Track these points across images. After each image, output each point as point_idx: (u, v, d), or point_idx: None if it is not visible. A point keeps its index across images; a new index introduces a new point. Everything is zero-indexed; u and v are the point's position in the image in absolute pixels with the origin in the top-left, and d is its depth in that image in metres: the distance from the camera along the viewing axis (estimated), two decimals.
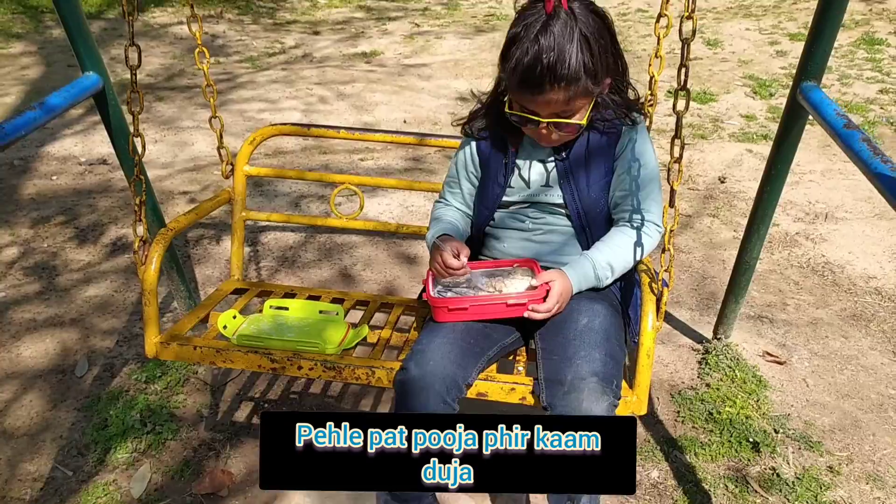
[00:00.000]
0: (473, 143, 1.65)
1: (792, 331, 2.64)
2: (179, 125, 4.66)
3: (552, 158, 1.56)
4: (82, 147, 4.35)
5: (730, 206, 3.66)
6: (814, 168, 4.12)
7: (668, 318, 2.73)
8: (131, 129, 1.63)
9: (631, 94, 1.55)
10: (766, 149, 4.44)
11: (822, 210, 3.63)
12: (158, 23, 7.05)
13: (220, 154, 1.92)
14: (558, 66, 1.34)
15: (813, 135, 4.62)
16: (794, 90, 1.92)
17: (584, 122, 1.45)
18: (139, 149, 1.63)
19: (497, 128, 1.59)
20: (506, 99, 1.51)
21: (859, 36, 6.51)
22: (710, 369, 2.38)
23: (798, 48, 6.25)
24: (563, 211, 1.58)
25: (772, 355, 2.50)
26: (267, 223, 3.34)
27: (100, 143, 4.36)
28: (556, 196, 1.56)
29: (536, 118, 1.42)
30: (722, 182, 3.95)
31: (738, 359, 2.43)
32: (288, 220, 2.18)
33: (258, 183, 3.79)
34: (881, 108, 5.03)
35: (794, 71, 5.70)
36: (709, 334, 2.58)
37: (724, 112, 5.00)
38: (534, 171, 1.58)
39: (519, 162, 1.59)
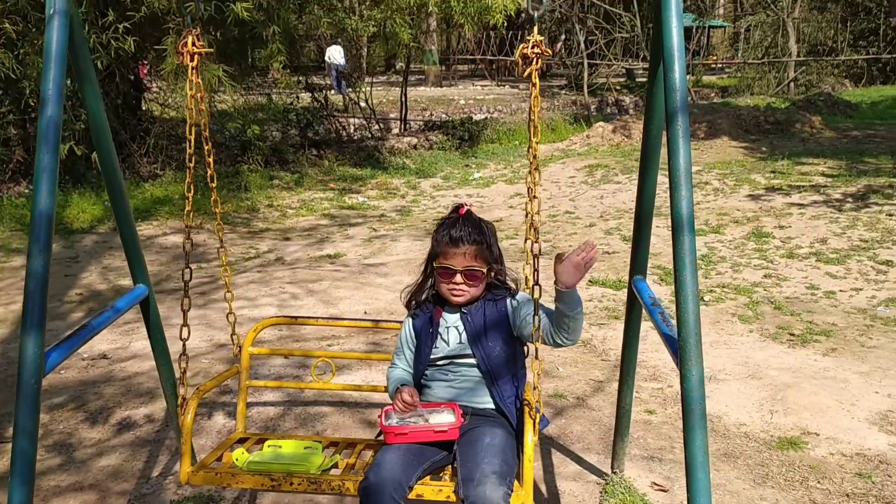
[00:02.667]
0: (409, 321, 2.46)
1: (676, 467, 3.33)
2: (170, 322, 5.39)
3: (463, 327, 2.36)
4: (84, 346, 5.02)
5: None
6: (704, 340, 4.97)
7: (579, 461, 3.41)
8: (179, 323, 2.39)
9: (510, 280, 2.42)
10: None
11: (707, 374, 4.43)
12: (145, 235, 7.98)
13: (232, 340, 2.67)
14: (469, 230, 2.32)
15: (706, 313, 5.54)
16: (630, 281, 2.78)
17: (484, 270, 2.32)
18: (185, 334, 2.38)
19: (424, 307, 2.42)
20: (434, 266, 2.36)
21: (750, 230, 7.71)
22: (608, 496, 3.05)
23: (699, 242, 7.38)
24: (474, 364, 2.35)
25: (658, 485, 3.18)
26: (256, 400, 4.00)
27: (98, 342, 5.04)
28: (469, 355, 2.34)
29: (454, 268, 2.28)
30: None
31: (630, 488, 3.11)
32: (279, 385, 2.89)
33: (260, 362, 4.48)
34: (764, 289, 6.02)
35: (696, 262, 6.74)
36: (610, 472, 3.27)
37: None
38: (451, 337, 2.37)
39: (441, 330, 2.38)
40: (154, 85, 12.16)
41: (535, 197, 2.19)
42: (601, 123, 15.01)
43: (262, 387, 2.64)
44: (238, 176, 10.60)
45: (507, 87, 29.55)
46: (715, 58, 38.16)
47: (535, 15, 2.15)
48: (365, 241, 8.01)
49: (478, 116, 20.59)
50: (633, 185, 10.19)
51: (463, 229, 2.32)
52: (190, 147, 2.19)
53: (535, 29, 2.14)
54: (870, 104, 18.81)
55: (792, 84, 24.78)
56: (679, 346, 2.04)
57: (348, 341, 5.02)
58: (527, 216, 2.22)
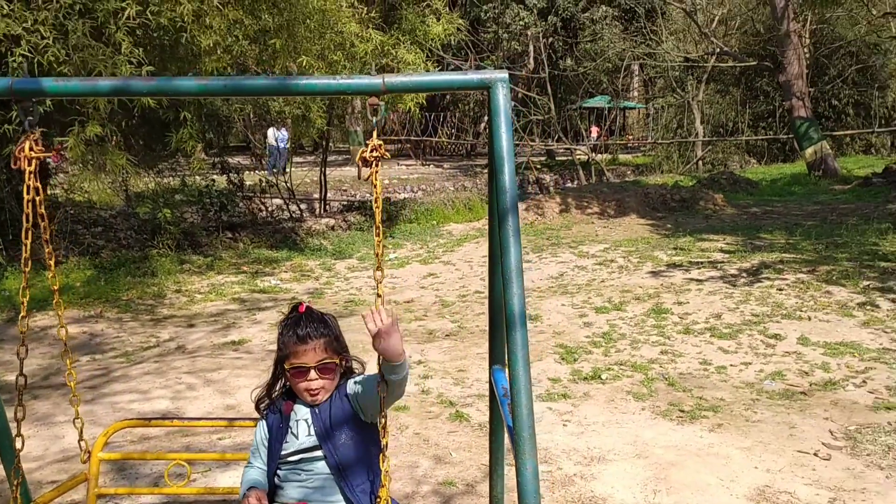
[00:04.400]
0: (263, 422, 2.43)
1: None
2: (53, 420, 5.16)
3: (312, 419, 2.34)
4: None
5: None
6: (597, 419, 5.06)
7: None
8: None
9: (356, 366, 2.44)
10: (564, 406, 5.40)
11: (596, 454, 4.48)
12: (39, 325, 7.68)
13: (80, 445, 2.57)
14: (315, 325, 2.32)
15: (602, 392, 5.64)
16: (490, 371, 2.83)
17: (337, 361, 2.32)
18: (19, 445, 2.28)
19: (275, 406, 2.40)
20: (284, 367, 2.33)
21: (651, 307, 7.95)
22: None
23: (602, 319, 7.58)
24: (324, 463, 2.32)
25: None
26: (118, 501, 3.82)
27: None
28: (317, 448, 2.32)
29: (307, 366, 2.27)
30: None
31: None
32: (131, 491, 2.78)
33: (122, 467, 4.30)
34: (660, 366, 6.19)
35: (596, 339, 6.88)
36: None
37: (535, 376, 6.00)
38: (301, 430, 2.34)
39: (291, 424, 2.36)
40: (67, 169, 11.95)
41: (379, 295, 2.23)
42: None
43: (112, 494, 2.53)
44: (147, 261, 10.38)
45: (431, 166, 30.13)
46: (630, 137, 39.95)
47: (374, 120, 2.24)
48: (272, 326, 7.90)
49: (402, 196, 20.88)
50: (543, 263, 10.49)
51: (308, 326, 2.34)
52: (25, 251, 2.16)
53: (375, 133, 2.23)
54: (770, 181, 19.89)
55: (700, 162, 26.07)
56: (513, 439, 2.08)
57: (240, 433, 4.88)
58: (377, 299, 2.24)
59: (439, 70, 15.68)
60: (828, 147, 21.24)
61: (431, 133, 33.79)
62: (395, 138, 35.66)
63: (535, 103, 25.32)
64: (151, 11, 7.81)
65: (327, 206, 16.28)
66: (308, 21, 9.27)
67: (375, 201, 2.24)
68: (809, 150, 20.44)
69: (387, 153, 2.26)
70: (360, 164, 2.25)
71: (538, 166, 26.42)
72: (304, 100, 11.88)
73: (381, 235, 2.24)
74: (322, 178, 15.97)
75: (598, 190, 16.24)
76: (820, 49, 28.04)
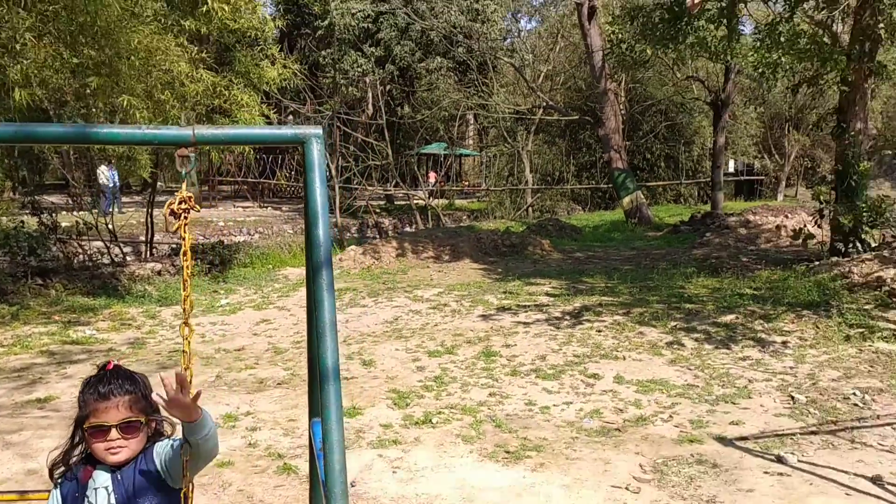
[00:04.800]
0: (56, 491, 2.24)
1: None
2: None
3: (113, 487, 2.19)
4: None
5: None
6: (427, 465, 5.10)
7: None
8: None
9: (167, 427, 2.31)
10: (395, 452, 5.40)
11: (424, 500, 4.52)
12: None
13: None
14: (120, 382, 2.19)
15: (432, 436, 5.71)
16: (309, 423, 2.80)
17: (143, 420, 2.18)
18: None
19: (72, 473, 2.22)
20: (83, 428, 2.17)
21: (481, 350, 8.18)
22: None
23: (434, 363, 7.69)
24: None
25: None
26: None
27: None
28: None
29: (107, 424, 2.13)
30: (352, 486, 4.73)
31: None
32: None
33: None
34: (489, 408, 6.36)
35: (428, 383, 6.95)
36: None
37: (367, 423, 5.97)
38: (100, 499, 2.18)
39: (88, 493, 2.19)
40: None
41: (185, 351, 2.16)
42: (353, 247, 15.43)
43: None
44: None
45: (269, 208, 29.53)
46: (466, 183, 41.35)
47: (183, 172, 2.19)
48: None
49: (238, 238, 20.24)
50: (378, 308, 10.53)
51: (113, 382, 2.20)
52: None
53: (184, 185, 2.18)
54: (592, 228, 21.26)
55: (530, 209, 27.43)
56: (325, 495, 2.06)
57: None
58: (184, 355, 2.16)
59: (276, 113, 15.52)
60: (642, 196, 23.09)
61: (270, 175, 33.23)
62: (231, 179, 34.72)
63: (374, 149, 25.63)
64: None
65: (154, 250, 15.46)
66: (132, 58, 8.87)
67: (183, 255, 2.18)
68: (626, 199, 22.11)
69: (197, 206, 2.22)
70: (168, 216, 2.19)
71: (377, 210, 26.65)
72: None
73: (188, 290, 2.19)
74: (149, 219, 15.18)
75: (434, 235, 16.62)
76: (634, 106, 30.63)
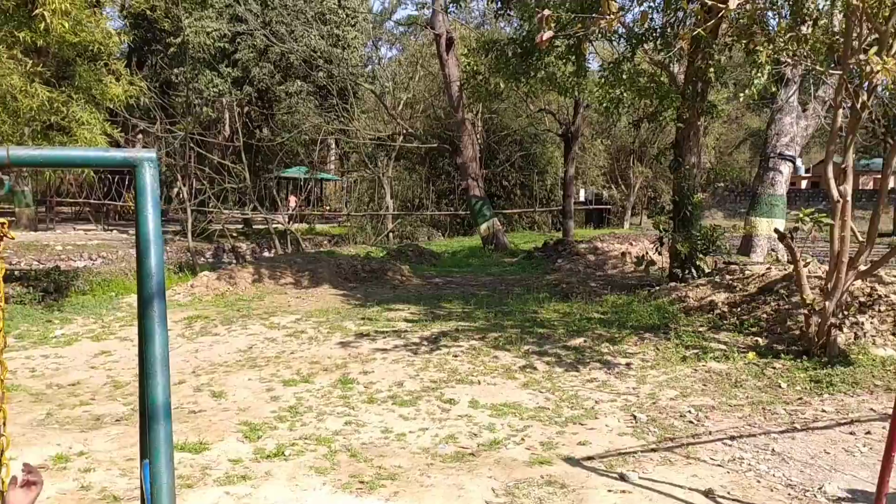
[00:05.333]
0: None
1: None
2: None
3: None
4: None
5: None
6: (278, 500, 4.93)
7: None
8: None
9: None
10: (244, 489, 5.18)
11: None
12: None
13: None
14: None
15: (284, 469, 5.53)
16: (140, 465, 2.62)
17: None
18: None
19: None
20: None
21: (338, 377, 8.06)
22: None
23: (289, 392, 7.49)
24: None
25: None
26: None
27: None
28: None
29: None
30: None
31: None
32: None
33: None
34: (344, 437, 6.25)
35: (282, 413, 6.74)
36: None
37: (214, 459, 5.70)
38: None
39: None
40: None
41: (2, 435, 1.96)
42: (206, 273, 14.83)
43: None
44: None
45: (115, 231, 27.86)
46: (327, 208, 40.95)
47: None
48: None
49: (78, 264, 18.90)
50: (231, 336, 10.16)
51: None
52: None
53: None
54: (451, 254, 21.64)
55: (390, 234, 27.55)
56: None
57: None
58: None
59: (121, 132, 14.70)
60: (499, 224, 23.80)
61: (116, 196, 31.41)
62: (72, 201, 32.50)
63: (231, 171, 24.89)
64: None
65: None
66: None
67: None
68: (483, 226, 22.70)
69: (10, 234, 2.04)
70: None
71: (234, 235, 25.81)
72: None
73: (1, 324, 1.99)
74: None
75: (293, 260, 16.29)
76: (491, 136, 31.64)
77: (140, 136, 30.78)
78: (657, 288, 12.04)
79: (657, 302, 11.10)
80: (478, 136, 27.77)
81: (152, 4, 14.70)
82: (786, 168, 15.80)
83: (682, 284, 11.74)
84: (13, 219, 25.00)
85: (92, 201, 30.77)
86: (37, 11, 8.73)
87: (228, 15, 29.80)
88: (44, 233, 25.01)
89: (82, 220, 31.17)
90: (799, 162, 27.15)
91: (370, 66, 38.63)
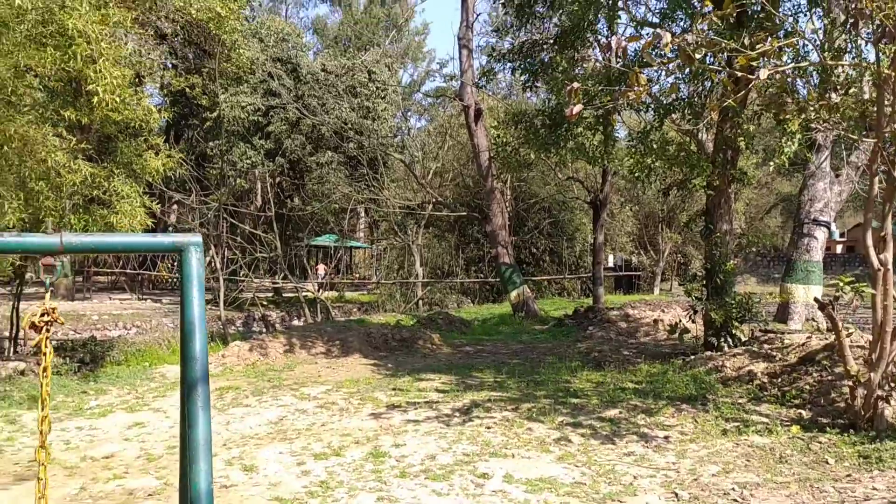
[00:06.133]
0: None
1: None
2: None
3: None
4: None
5: None
6: None
7: None
8: None
9: None
10: None
11: None
12: None
13: None
14: None
15: None
16: None
17: None
18: None
19: None
20: None
21: (369, 450, 7.94)
22: None
23: (320, 466, 7.40)
24: None
25: None
26: None
27: None
28: None
29: None
30: None
31: None
32: None
33: None
34: None
35: (313, 489, 6.66)
36: None
37: None
38: None
39: None
40: None
41: (39, 478, 1.96)
42: (237, 342, 14.89)
43: None
44: None
45: (149, 300, 28.28)
46: (357, 276, 41.20)
47: (47, 281, 2.05)
48: None
49: (113, 333, 19.16)
50: (262, 408, 10.12)
51: None
52: None
53: (47, 296, 2.04)
54: (481, 321, 21.52)
55: (420, 302, 27.55)
56: None
57: None
58: None
59: (158, 203, 15.06)
60: (529, 291, 23.71)
61: (150, 266, 31.98)
62: (108, 271, 33.14)
63: (262, 240, 25.25)
64: None
65: (19, 347, 14.34)
66: (5, 148, 8.46)
67: (43, 371, 2.01)
68: (513, 294, 22.63)
69: (60, 319, 2.08)
70: (28, 329, 2.03)
71: (264, 303, 26.00)
72: None
73: (45, 410, 2.01)
74: (14, 314, 14.13)
75: (323, 329, 16.31)
76: (520, 203, 31.84)
77: (175, 207, 31.50)
78: (692, 357, 11.81)
79: (693, 371, 10.87)
80: (507, 203, 27.98)
81: (191, 82, 15.23)
82: (821, 234, 15.61)
83: (718, 353, 11.51)
84: (52, 288, 25.42)
85: (128, 271, 31.37)
86: (90, 87, 9.09)
87: (262, 90, 30.78)
88: (81, 302, 25.46)
89: (118, 289, 31.72)
90: (833, 227, 26.89)
91: (399, 137, 39.41)
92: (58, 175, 9.92)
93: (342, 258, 39.24)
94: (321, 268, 34.78)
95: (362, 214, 39.54)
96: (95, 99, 9.15)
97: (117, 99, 9.42)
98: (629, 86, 6.09)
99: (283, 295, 29.81)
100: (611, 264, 36.45)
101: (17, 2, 7.49)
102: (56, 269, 2.04)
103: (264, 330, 22.08)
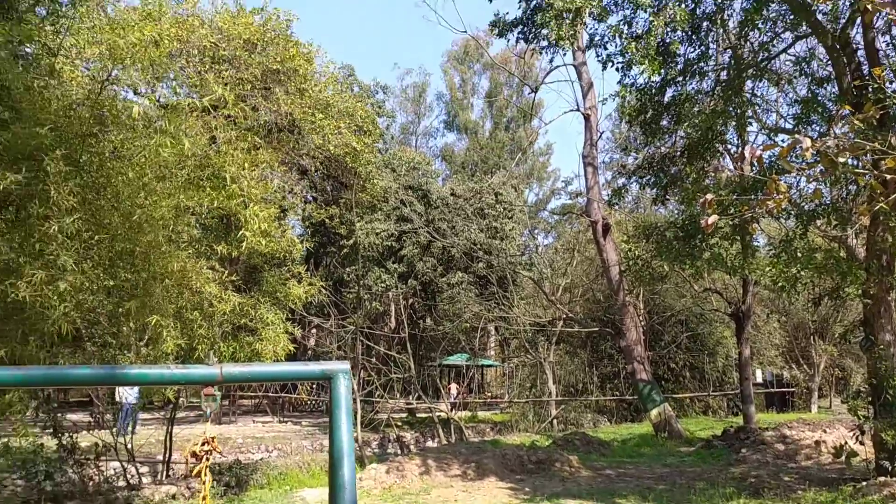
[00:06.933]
0: None
1: None
2: None
3: None
4: None
5: None
6: None
7: None
8: None
9: None
10: None
11: None
12: None
13: None
14: None
15: None
16: None
17: None
18: None
19: None
20: None
21: None
22: None
23: None
24: None
25: None
26: None
27: None
28: None
29: None
30: None
31: None
32: None
33: None
34: None
35: None
36: None
37: None
38: None
39: None
40: None
41: None
42: (374, 465, 14.89)
43: None
44: None
45: (289, 423, 29.06)
46: (489, 394, 40.77)
47: (208, 411, 2.15)
48: None
49: (256, 456, 19.72)
50: None
51: None
52: None
53: (208, 424, 2.13)
54: (621, 442, 20.50)
55: (554, 421, 26.73)
56: None
57: None
58: None
59: (299, 328, 15.75)
60: (670, 409, 22.49)
61: (291, 389, 33.06)
62: (252, 394, 34.54)
63: (396, 361, 25.65)
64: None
65: (171, 470, 15.01)
66: (166, 281, 9.21)
67: (203, 500, 2.08)
68: (654, 413, 21.52)
69: (219, 448, 2.16)
70: (189, 457, 2.13)
71: (399, 424, 26.07)
72: (150, 352, 11.43)
73: None
74: (168, 438, 14.90)
75: (458, 450, 16.06)
76: (654, 317, 30.82)
77: (314, 331, 32.81)
78: (864, 483, 10.63)
79: (866, 500, 9.76)
80: (640, 317, 27.18)
81: (330, 214, 16.15)
82: None
83: (894, 479, 10.31)
84: (200, 413, 26.67)
85: (270, 394, 32.56)
86: (241, 233, 9.84)
87: (395, 216, 32.21)
88: (227, 426, 26.52)
89: (260, 411, 32.89)
90: None
91: (527, 254, 39.72)
92: (210, 305, 10.62)
93: (474, 377, 39.08)
94: (454, 387, 34.71)
95: (493, 332, 39.55)
96: (246, 233, 9.87)
97: (263, 241, 10.13)
98: (767, 194, 5.88)
99: (417, 415, 29.83)
100: (759, 380, 34.14)
101: (185, 147, 8.33)
102: (217, 398, 2.15)
103: (399, 451, 22.04)
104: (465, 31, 62.98)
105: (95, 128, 8.34)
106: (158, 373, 2.16)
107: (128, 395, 19.06)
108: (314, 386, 33.34)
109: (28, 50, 9.82)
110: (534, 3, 13.03)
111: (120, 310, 9.67)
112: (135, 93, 13.87)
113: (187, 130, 9.16)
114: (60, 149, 7.55)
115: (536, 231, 45.16)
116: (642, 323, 27.37)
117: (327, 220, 17.23)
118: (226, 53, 15.35)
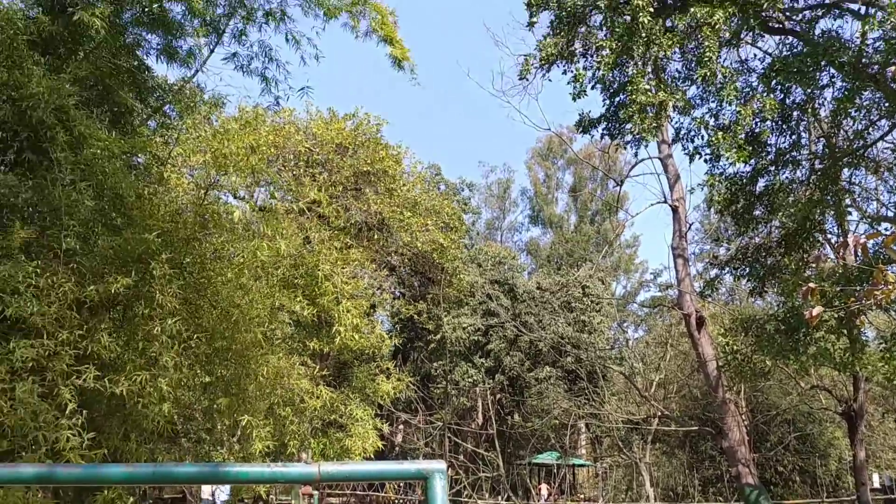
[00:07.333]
0: None
1: None
2: None
3: None
4: None
5: None
6: None
7: None
8: None
9: None
10: None
11: None
12: None
13: None
14: None
15: None
16: None
17: None
18: None
19: None
20: None
21: None
22: None
23: None
24: None
25: None
26: None
27: None
28: None
29: None
30: None
31: None
32: None
33: None
34: None
35: None
36: None
37: None
38: None
39: None
40: None
41: None
42: None
43: None
44: None
45: None
46: (581, 496, 39.05)
47: None
48: None
49: None
50: None
51: None
52: None
53: None
54: None
55: None
56: None
57: None
58: None
59: (387, 423, 15.69)
60: None
61: (378, 487, 32.65)
62: (340, 492, 34.27)
63: (485, 459, 25.07)
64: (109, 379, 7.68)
65: None
66: (260, 378, 9.41)
67: None
68: None
69: None
70: None
71: None
72: (242, 448, 11.56)
73: None
74: None
75: None
76: (757, 416, 29.16)
77: (402, 426, 32.60)
78: None
79: None
80: (742, 415, 25.78)
81: (418, 309, 16.31)
82: None
83: None
84: None
85: (357, 492, 32.21)
86: (335, 329, 10.06)
87: (482, 310, 32.21)
88: None
89: None
90: None
91: (617, 348, 38.70)
92: (301, 401, 10.76)
93: (565, 477, 37.61)
94: (544, 487, 33.45)
95: (583, 430, 38.24)
96: (339, 329, 10.05)
97: (356, 337, 10.30)
98: (874, 284, 5.59)
99: None
100: (877, 485, 31.46)
101: (281, 248, 8.67)
102: (314, 498, 2.14)
103: None
104: (549, 129, 64.11)
105: (199, 232, 8.80)
106: (258, 471, 2.18)
107: (220, 491, 19.25)
108: (401, 484, 32.83)
109: (139, 160, 10.58)
110: (618, 99, 13.19)
111: (215, 406, 9.91)
112: (234, 197, 14.68)
113: (283, 232, 9.55)
114: (166, 252, 7.97)
115: (626, 324, 44.13)
116: (745, 422, 25.90)
117: (415, 316, 17.40)
118: (319, 157, 16.14)
